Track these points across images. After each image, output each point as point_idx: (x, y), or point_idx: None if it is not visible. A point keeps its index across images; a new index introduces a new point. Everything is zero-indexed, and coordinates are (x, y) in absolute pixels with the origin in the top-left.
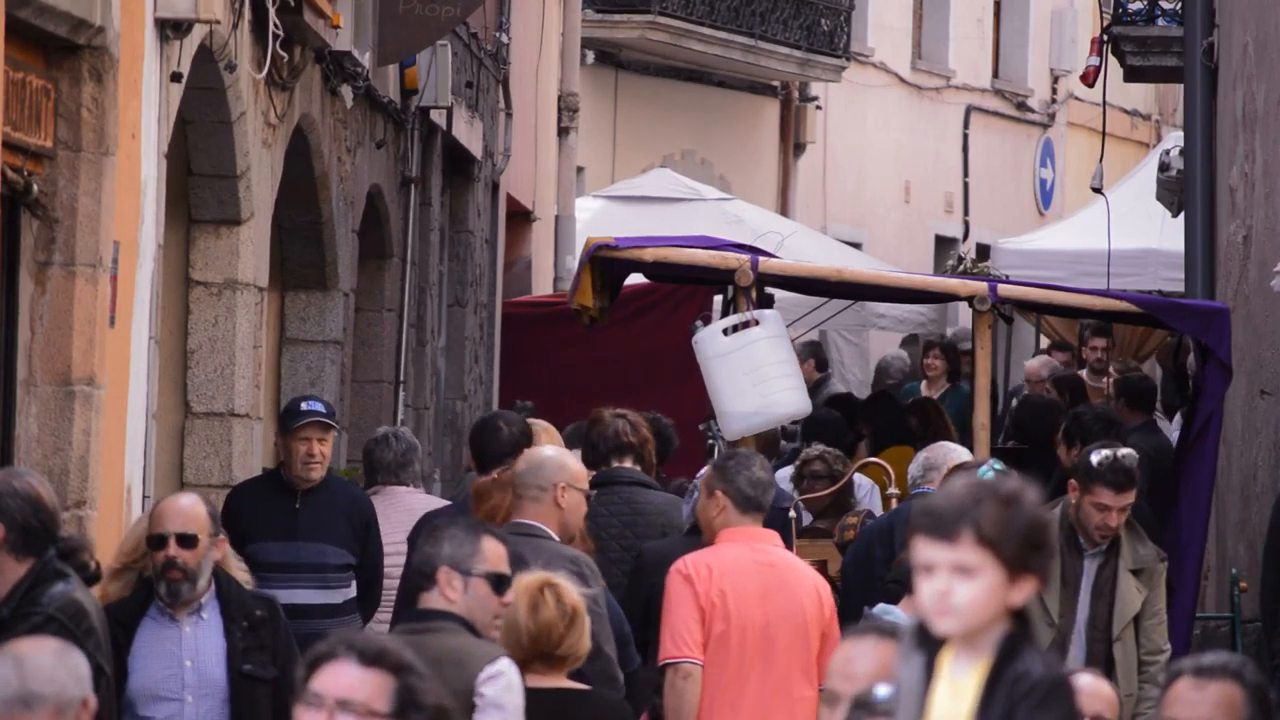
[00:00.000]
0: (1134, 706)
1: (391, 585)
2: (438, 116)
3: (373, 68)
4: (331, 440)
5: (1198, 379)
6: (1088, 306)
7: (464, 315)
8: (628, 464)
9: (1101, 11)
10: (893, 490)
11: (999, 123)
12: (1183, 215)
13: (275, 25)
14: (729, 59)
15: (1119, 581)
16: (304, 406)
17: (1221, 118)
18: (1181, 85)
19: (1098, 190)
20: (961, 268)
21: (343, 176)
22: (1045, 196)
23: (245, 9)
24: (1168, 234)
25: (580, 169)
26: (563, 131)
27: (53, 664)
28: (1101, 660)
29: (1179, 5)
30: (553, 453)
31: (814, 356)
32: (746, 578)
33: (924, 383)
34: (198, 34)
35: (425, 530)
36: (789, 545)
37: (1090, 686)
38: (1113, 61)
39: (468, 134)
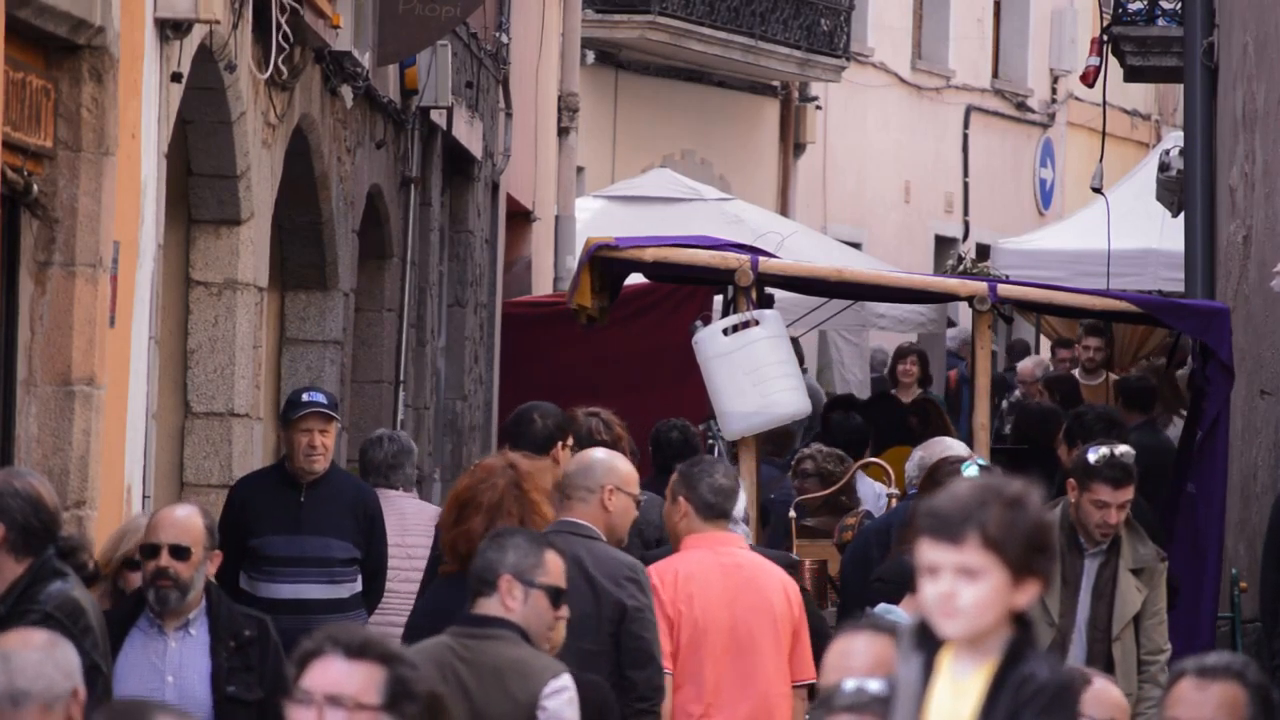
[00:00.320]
0: (1134, 706)
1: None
2: (438, 116)
3: (373, 68)
4: (334, 431)
5: (1198, 379)
6: (1088, 306)
7: (464, 315)
8: None
9: (1101, 11)
10: (892, 490)
11: (999, 123)
12: (1183, 215)
13: (284, 29)
14: (729, 59)
15: (1119, 581)
16: (305, 397)
17: (1221, 118)
18: (1181, 85)
19: (1098, 190)
20: (961, 268)
21: (343, 176)
22: (1045, 196)
23: (245, 9)
24: (1168, 234)
25: (580, 169)
26: (563, 131)
27: (40, 659)
28: (1102, 660)
29: (1179, 5)
30: (603, 455)
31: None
32: (712, 581)
33: (895, 390)
34: (198, 34)
35: (490, 536)
36: (789, 545)
37: (1101, 691)
38: (1113, 61)
39: (468, 134)
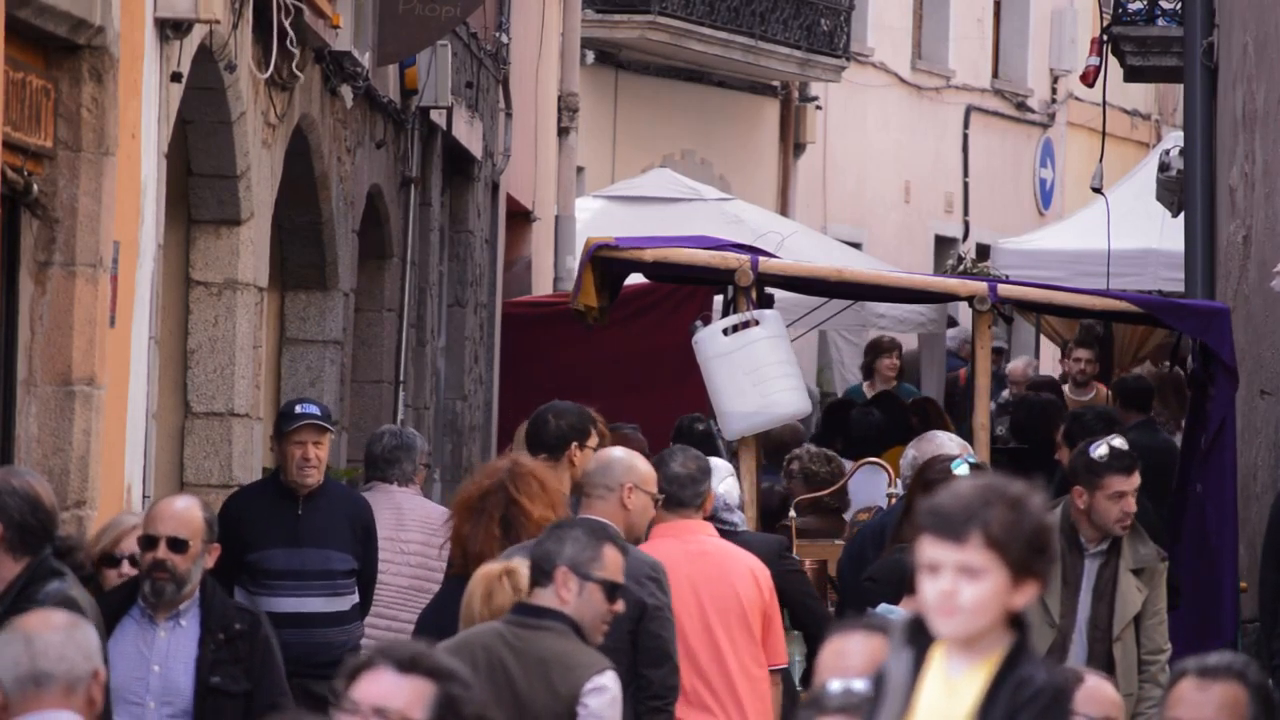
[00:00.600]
0: (1134, 706)
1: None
2: (438, 116)
3: (373, 68)
4: (328, 443)
5: (1198, 379)
6: (1088, 306)
7: (464, 315)
8: None
9: (1101, 11)
10: (892, 489)
11: (999, 123)
12: (1183, 215)
13: (287, 31)
14: (729, 59)
15: (1119, 581)
16: (298, 409)
17: (1221, 118)
18: (1181, 85)
19: (1098, 190)
20: (961, 268)
21: (343, 176)
22: (1045, 196)
23: (245, 9)
24: (1168, 234)
25: (580, 169)
26: (563, 131)
27: (61, 641)
28: (1102, 660)
29: (1179, 5)
30: (622, 454)
31: None
32: (678, 569)
33: (866, 383)
34: (198, 34)
35: (550, 527)
36: (790, 545)
37: (1095, 690)
38: (1113, 61)
39: (468, 134)
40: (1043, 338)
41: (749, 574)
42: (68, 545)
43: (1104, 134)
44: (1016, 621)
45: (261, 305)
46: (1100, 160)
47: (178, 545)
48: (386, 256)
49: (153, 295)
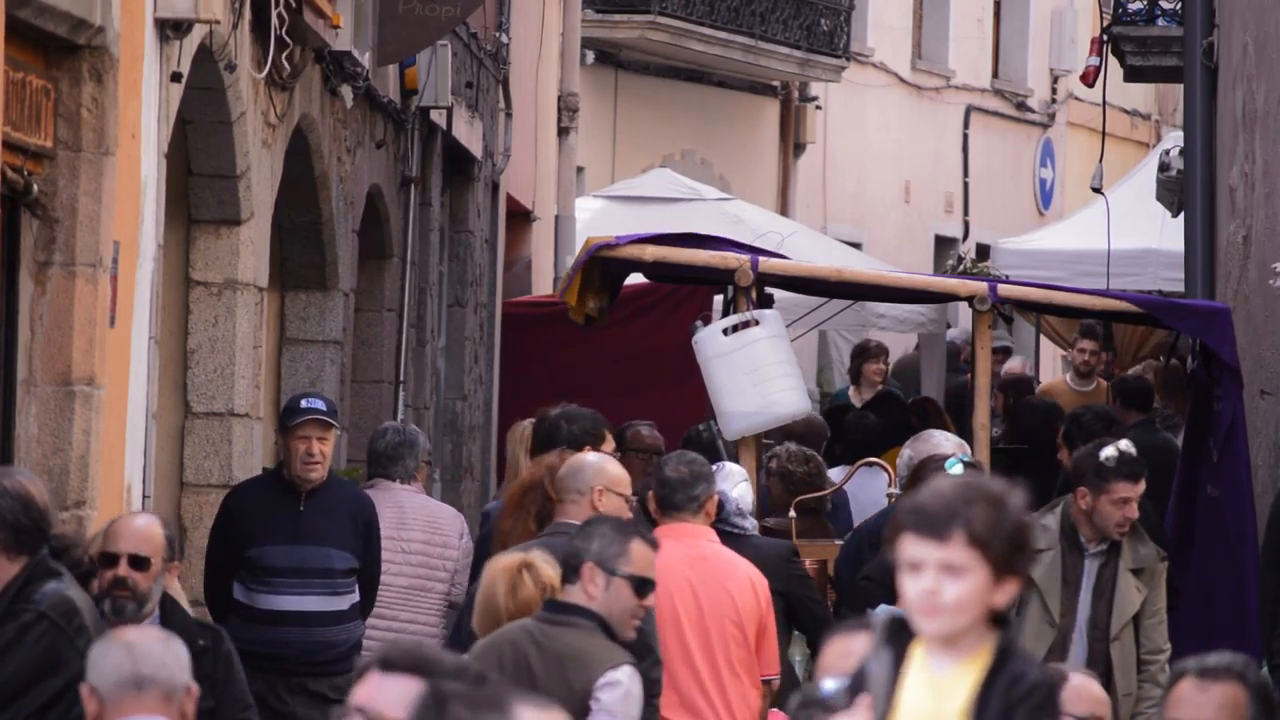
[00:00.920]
0: (1134, 706)
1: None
2: (438, 116)
3: (373, 68)
4: (333, 439)
5: (1198, 379)
6: (1088, 306)
7: (464, 315)
8: None
9: (1101, 11)
10: (892, 489)
11: (999, 123)
12: (1183, 215)
13: (284, 29)
14: (729, 59)
15: (1119, 581)
16: (304, 404)
17: (1221, 118)
18: (1181, 85)
19: (1098, 190)
20: (961, 268)
21: (343, 176)
22: (1045, 196)
23: (245, 9)
24: (1168, 234)
25: (580, 169)
26: (563, 131)
27: (161, 650)
28: (1102, 660)
29: (1179, 5)
30: (594, 458)
31: None
32: (676, 571)
33: (852, 388)
34: (198, 34)
35: (582, 524)
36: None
37: (1082, 687)
38: (1113, 61)
39: (468, 134)
40: (1043, 338)
41: (747, 582)
42: (63, 543)
43: (1104, 134)
44: (998, 619)
45: (261, 305)
46: (1100, 160)
47: (139, 563)
48: (386, 256)
49: (153, 295)
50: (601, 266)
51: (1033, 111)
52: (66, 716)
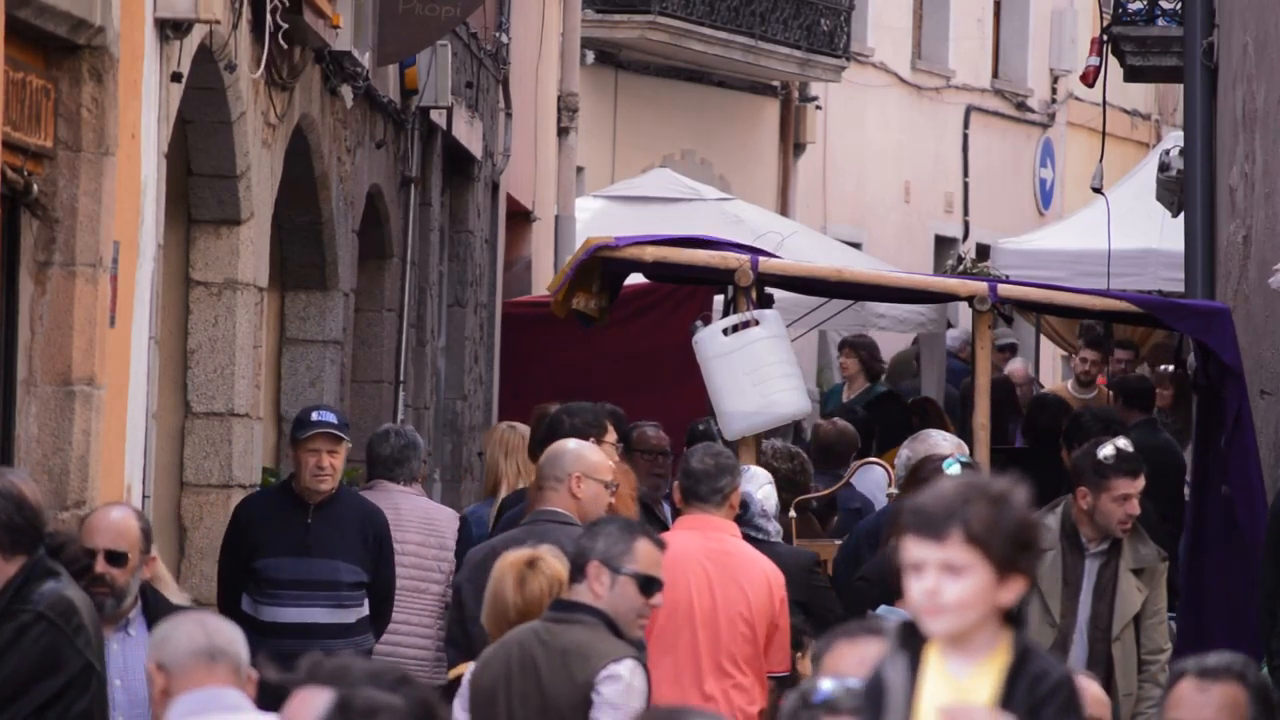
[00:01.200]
0: (1134, 706)
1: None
2: (438, 116)
3: (373, 68)
4: (343, 452)
5: (1199, 379)
6: (1088, 306)
7: (464, 315)
8: None
9: (1101, 11)
10: (891, 489)
11: (999, 123)
12: (1183, 215)
13: (280, 26)
14: (729, 59)
15: (1120, 581)
16: (314, 417)
17: (1221, 118)
18: (1181, 85)
19: (1098, 190)
20: (961, 268)
21: (343, 176)
22: (1045, 196)
23: (245, 9)
24: (1168, 234)
25: (580, 169)
26: (563, 131)
27: (230, 630)
28: (1103, 660)
29: (1179, 5)
30: (573, 445)
31: None
32: (693, 564)
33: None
34: (198, 34)
35: (588, 524)
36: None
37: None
38: (1113, 61)
39: (468, 134)
40: (1043, 338)
41: (764, 580)
42: (58, 542)
43: (1104, 134)
44: (1013, 617)
45: (261, 305)
46: (1100, 160)
47: (116, 558)
48: (386, 256)
49: (153, 295)
50: (601, 266)
51: (1033, 111)
52: (66, 716)
